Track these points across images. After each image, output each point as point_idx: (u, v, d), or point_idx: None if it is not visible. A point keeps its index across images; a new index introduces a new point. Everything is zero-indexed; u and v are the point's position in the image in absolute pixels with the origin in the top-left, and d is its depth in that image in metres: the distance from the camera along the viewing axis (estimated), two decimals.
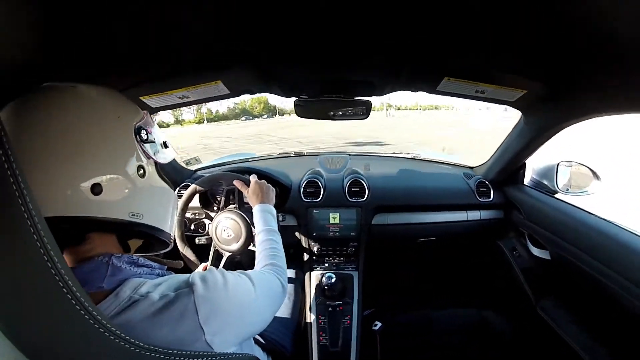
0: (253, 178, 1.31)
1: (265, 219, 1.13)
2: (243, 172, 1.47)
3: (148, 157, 0.73)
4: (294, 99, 1.43)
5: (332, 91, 1.38)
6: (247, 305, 0.69)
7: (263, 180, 1.32)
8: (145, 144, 0.72)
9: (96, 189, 0.59)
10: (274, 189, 1.33)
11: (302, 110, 1.48)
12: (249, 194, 1.26)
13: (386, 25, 0.82)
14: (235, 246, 1.34)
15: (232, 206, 1.51)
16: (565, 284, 1.51)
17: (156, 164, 0.77)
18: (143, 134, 0.72)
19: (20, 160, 0.45)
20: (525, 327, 1.69)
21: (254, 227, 1.33)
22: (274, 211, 1.20)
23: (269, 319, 0.77)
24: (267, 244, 1.03)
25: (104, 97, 0.68)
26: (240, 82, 1.23)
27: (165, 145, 0.83)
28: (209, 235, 1.45)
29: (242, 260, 1.59)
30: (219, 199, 1.72)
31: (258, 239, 1.07)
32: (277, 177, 1.74)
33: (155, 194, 0.74)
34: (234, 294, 0.66)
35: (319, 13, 0.76)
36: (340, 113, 1.50)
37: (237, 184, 1.31)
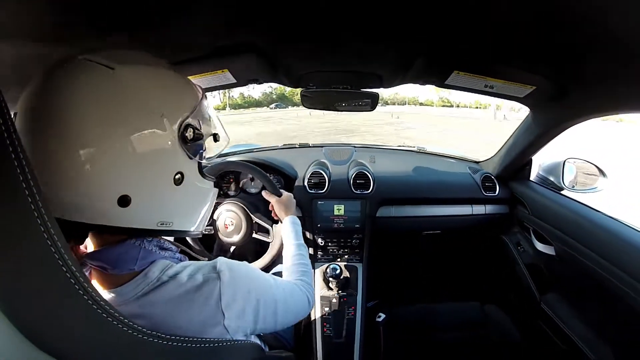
0: (286, 193, 1.32)
1: (297, 232, 1.14)
2: (249, 162, 1.47)
3: (190, 158, 0.64)
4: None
5: (340, 82, 1.37)
6: (267, 297, 0.70)
7: (290, 194, 1.33)
8: (189, 144, 0.63)
9: (123, 200, 0.54)
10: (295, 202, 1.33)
11: (309, 101, 1.48)
12: (280, 205, 1.26)
13: (398, 18, 0.81)
14: (236, 238, 1.35)
15: (231, 193, 1.52)
16: (569, 280, 1.52)
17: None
18: (189, 133, 0.62)
19: (37, 157, 0.46)
20: (529, 322, 1.70)
21: (254, 217, 1.34)
22: (300, 224, 1.20)
23: (284, 323, 0.76)
24: (297, 258, 1.03)
25: (147, 87, 0.58)
26: (247, 71, 1.22)
27: (216, 138, 0.74)
28: (211, 225, 1.46)
29: (245, 251, 1.59)
30: (222, 187, 1.73)
31: (289, 251, 1.06)
32: (282, 168, 1.74)
33: (191, 197, 0.67)
34: (257, 281, 0.69)
35: (329, 5, 0.76)
36: (347, 104, 1.50)
37: (265, 194, 1.31)
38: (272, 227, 1.35)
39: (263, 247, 1.40)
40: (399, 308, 1.86)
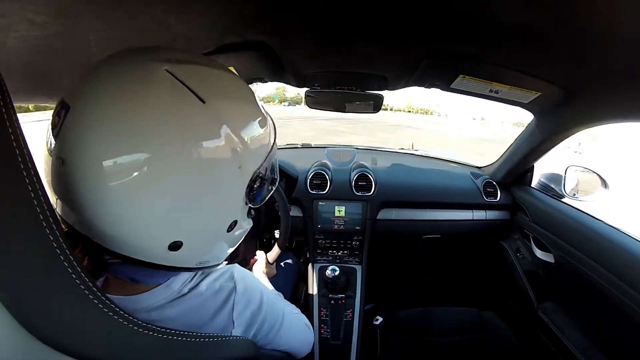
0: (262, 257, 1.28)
1: (269, 284, 1.11)
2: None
3: (246, 204, 0.59)
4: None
5: (345, 83, 1.37)
6: (274, 310, 0.71)
7: (274, 269, 1.30)
8: (253, 193, 0.58)
9: (175, 246, 0.50)
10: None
11: (313, 101, 1.49)
12: (264, 264, 1.23)
13: (404, 19, 0.81)
14: None
15: None
16: (568, 288, 1.51)
17: None
18: (257, 184, 0.57)
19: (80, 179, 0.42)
20: (526, 329, 1.70)
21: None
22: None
23: (288, 343, 0.77)
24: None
25: (232, 133, 0.50)
26: (253, 69, 1.22)
27: (273, 182, 0.67)
28: None
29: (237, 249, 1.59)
30: None
31: None
32: (283, 168, 1.73)
33: (234, 240, 0.63)
34: (266, 295, 0.69)
35: (335, 5, 0.75)
36: (351, 106, 1.50)
37: (259, 253, 1.28)
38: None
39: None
40: (397, 311, 1.86)
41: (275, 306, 0.72)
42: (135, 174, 0.43)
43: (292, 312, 0.87)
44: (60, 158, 0.43)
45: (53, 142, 0.45)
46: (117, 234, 0.46)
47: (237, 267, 0.66)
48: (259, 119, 0.56)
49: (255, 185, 0.57)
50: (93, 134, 0.42)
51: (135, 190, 0.44)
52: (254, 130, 0.55)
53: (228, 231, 0.57)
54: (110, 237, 0.46)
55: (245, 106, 0.55)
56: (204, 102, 0.46)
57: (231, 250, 0.66)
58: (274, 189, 0.67)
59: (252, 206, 0.61)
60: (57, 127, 0.44)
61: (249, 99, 0.56)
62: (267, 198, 0.66)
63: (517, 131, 1.50)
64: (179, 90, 0.46)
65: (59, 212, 0.48)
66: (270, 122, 0.61)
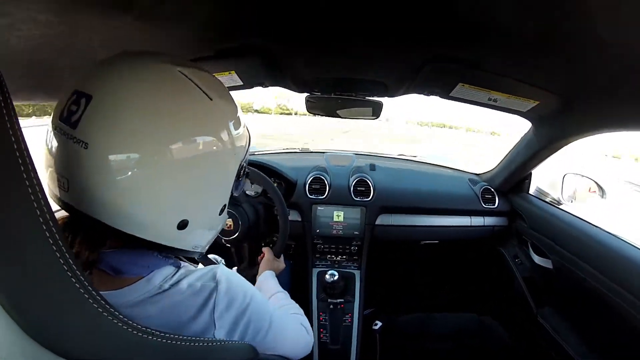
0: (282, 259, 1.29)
1: (277, 282, 1.11)
2: (250, 166, 1.47)
3: (232, 192, 0.68)
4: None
5: (345, 89, 1.39)
6: (260, 315, 0.69)
7: (283, 264, 1.29)
8: (239, 180, 0.68)
9: (182, 224, 0.57)
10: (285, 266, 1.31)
11: (313, 106, 1.50)
12: (270, 262, 1.22)
13: (404, 25, 0.82)
14: (230, 238, 1.35)
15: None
16: (567, 294, 1.52)
17: None
18: (242, 171, 0.68)
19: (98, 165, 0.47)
20: (525, 335, 1.70)
21: (252, 221, 1.33)
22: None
23: (281, 346, 0.76)
24: (284, 301, 1.01)
25: (231, 125, 0.60)
26: (254, 73, 1.23)
27: (247, 175, 0.77)
28: None
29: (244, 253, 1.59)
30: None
31: (275, 298, 1.04)
32: (282, 172, 1.74)
33: (219, 226, 0.71)
34: (251, 299, 0.66)
35: (336, 10, 0.76)
36: (351, 112, 1.52)
37: (265, 249, 1.26)
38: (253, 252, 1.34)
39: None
40: (396, 316, 1.86)
41: (263, 308, 0.70)
42: (157, 161, 0.50)
43: (287, 314, 0.86)
44: (83, 142, 0.47)
45: (64, 127, 0.49)
46: (134, 213, 0.51)
47: (220, 267, 0.65)
48: (241, 118, 0.65)
49: (241, 173, 0.67)
50: (120, 123, 0.48)
51: (155, 175, 0.50)
52: (241, 127, 0.64)
53: (220, 215, 0.65)
54: (125, 217, 0.51)
55: (234, 106, 0.64)
56: (211, 99, 0.56)
57: (211, 238, 0.71)
58: (241, 182, 0.74)
59: (234, 194, 0.69)
60: (77, 114, 0.47)
61: (234, 101, 0.65)
62: (241, 189, 0.75)
63: None
64: (192, 89, 0.54)
65: (65, 199, 0.51)
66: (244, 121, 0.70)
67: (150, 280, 0.56)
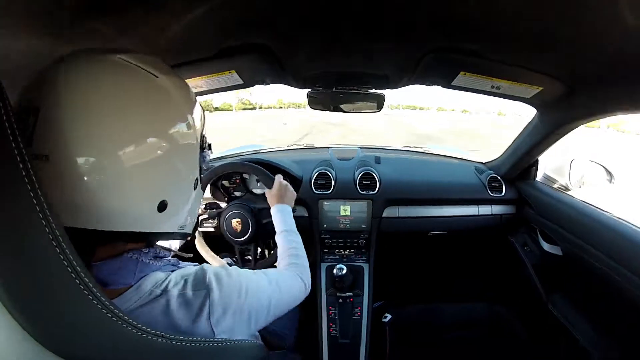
0: (278, 178, 1.31)
1: (284, 220, 1.13)
2: (255, 163, 1.48)
3: (200, 165, 0.69)
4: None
5: (346, 83, 1.38)
6: (259, 304, 0.69)
7: (286, 183, 1.31)
8: (203, 152, 0.69)
9: (162, 205, 0.58)
10: (294, 193, 1.32)
11: (315, 102, 1.49)
12: (271, 193, 1.25)
13: (403, 17, 0.81)
14: (240, 240, 1.37)
15: (237, 194, 1.53)
16: (577, 280, 1.51)
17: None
18: (205, 142, 0.70)
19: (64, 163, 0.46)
20: (536, 323, 1.69)
21: (261, 222, 1.34)
22: (291, 211, 1.19)
23: (281, 314, 0.77)
24: (288, 244, 1.03)
25: (181, 97, 0.62)
26: (254, 72, 1.23)
27: (210, 147, 0.77)
28: (216, 224, 1.47)
29: (251, 254, 1.61)
30: (229, 188, 1.74)
31: (279, 239, 1.07)
32: (288, 169, 1.74)
33: (196, 200, 0.71)
34: (247, 295, 0.66)
35: (335, 5, 0.76)
36: (353, 106, 1.51)
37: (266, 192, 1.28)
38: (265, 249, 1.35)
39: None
40: (405, 308, 1.86)
41: (260, 295, 0.70)
42: (119, 154, 0.50)
43: (280, 283, 0.81)
44: (43, 155, 0.47)
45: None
46: (111, 208, 0.51)
47: (209, 269, 0.64)
48: (189, 88, 0.66)
49: (204, 145, 0.69)
50: (72, 128, 0.48)
51: (121, 166, 0.51)
52: (192, 97, 0.66)
53: (194, 189, 0.67)
54: (103, 215, 0.51)
55: (181, 79, 0.64)
56: (156, 77, 0.56)
57: (194, 214, 0.73)
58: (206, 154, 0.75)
59: (203, 167, 0.71)
60: (29, 130, 0.47)
61: (179, 75, 0.65)
62: (207, 161, 0.76)
63: None
64: (135, 71, 0.54)
65: None
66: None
67: (139, 287, 0.56)
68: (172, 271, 0.62)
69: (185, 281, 0.60)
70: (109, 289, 0.54)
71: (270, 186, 1.30)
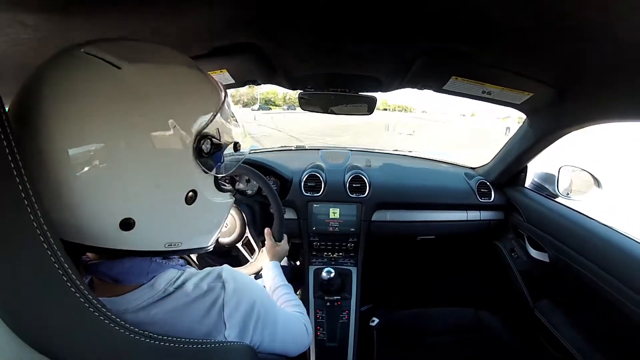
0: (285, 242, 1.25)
1: (280, 275, 1.09)
2: (245, 164, 1.46)
3: (206, 172, 0.57)
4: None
5: (338, 85, 1.38)
6: (267, 316, 0.68)
7: (286, 245, 1.26)
8: (205, 158, 0.56)
9: (126, 224, 0.49)
10: (287, 247, 1.27)
11: (306, 103, 1.49)
12: (273, 249, 1.20)
13: (396, 20, 0.81)
14: (227, 239, 1.34)
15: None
16: (563, 287, 1.52)
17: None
18: (206, 146, 0.54)
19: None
20: (522, 329, 1.70)
21: (246, 230, 1.32)
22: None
23: (283, 346, 0.75)
24: (289, 296, 1.01)
25: (157, 91, 0.50)
26: (246, 71, 1.22)
27: (236, 147, 0.65)
28: None
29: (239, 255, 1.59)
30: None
31: (277, 293, 1.03)
32: (278, 170, 1.73)
33: (205, 215, 0.62)
34: (259, 301, 0.66)
35: (328, 7, 0.75)
36: (344, 108, 1.50)
37: (267, 233, 1.22)
38: (259, 249, 1.33)
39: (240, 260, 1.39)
40: (393, 312, 1.86)
41: (269, 308, 0.70)
42: (73, 163, 0.44)
43: (290, 312, 0.85)
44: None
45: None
46: (73, 221, 0.47)
47: (225, 268, 0.63)
48: (190, 77, 0.56)
49: (204, 148, 0.54)
50: (42, 129, 0.44)
51: (77, 175, 0.45)
52: (187, 90, 0.55)
53: (189, 204, 0.56)
54: (64, 226, 0.46)
55: (168, 67, 0.54)
56: (119, 67, 0.47)
57: (217, 231, 0.67)
58: (238, 156, 0.66)
59: (216, 175, 0.60)
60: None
61: (175, 61, 0.56)
62: (234, 168, 0.66)
63: None
64: (94, 64, 0.47)
65: None
66: (213, 81, 0.60)
67: (153, 285, 0.55)
68: (184, 270, 0.61)
69: (200, 277, 0.59)
70: (120, 285, 0.54)
71: (278, 238, 1.24)
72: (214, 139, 0.56)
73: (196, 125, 0.54)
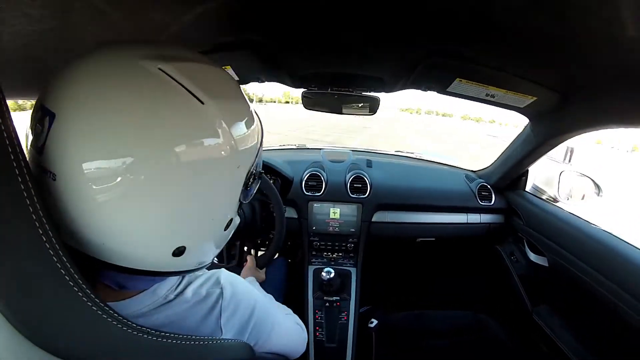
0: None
1: (259, 289, 1.06)
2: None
3: (242, 202, 0.58)
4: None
5: (341, 85, 1.37)
6: (265, 320, 0.69)
7: (262, 273, 1.31)
8: (246, 190, 0.57)
9: (179, 251, 0.49)
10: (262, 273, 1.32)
11: (310, 102, 1.49)
12: (248, 267, 1.24)
13: (401, 21, 0.81)
14: None
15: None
16: (562, 291, 1.52)
17: None
18: (252, 180, 0.56)
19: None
20: (520, 332, 1.70)
21: (247, 217, 1.32)
22: None
23: (280, 347, 0.76)
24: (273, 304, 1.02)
25: (232, 132, 0.48)
26: (250, 68, 1.22)
27: (260, 176, 0.65)
28: None
29: (236, 251, 1.58)
30: None
31: None
32: (279, 169, 1.72)
33: (227, 237, 0.62)
34: (257, 306, 0.67)
35: (333, 7, 0.75)
36: (347, 108, 1.50)
37: (250, 257, 1.27)
38: (238, 259, 1.33)
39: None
40: (392, 314, 1.86)
41: (267, 311, 0.71)
42: (133, 181, 0.40)
43: (283, 314, 0.86)
44: (50, 172, 0.40)
45: (31, 151, 0.42)
46: (117, 247, 0.44)
47: (223, 272, 0.64)
48: (250, 116, 0.55)
49: (250, 182, 0.56)
50: (87, 149, 0.39)
51: (134, 199, 0.41)
52: (248, 128, 0.53)
53: (225, 230, 0.57)
54: (109, 250, 0.44)
55: (239, 105, 0.53)
56: (202, 102, 0.44)
57: (217, 250, 0.67)
58: (259, 182, 0.65)
59: (243, 202, 0.60)
60: (42, 138, 0.40)
61: (241, 97, 0.55)
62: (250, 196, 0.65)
63: None
64: (176, 90, 0.43)
65: None
66: (257, 118, 0.60)
67: (155, 291, 0.55)
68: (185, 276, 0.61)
69: (199, 283, 0.60)
70: (125, 291, 0.53)
71: (261, 264, 1.29)
72: (255, 175, 0.58)
73: (251, 164, 0.55)
